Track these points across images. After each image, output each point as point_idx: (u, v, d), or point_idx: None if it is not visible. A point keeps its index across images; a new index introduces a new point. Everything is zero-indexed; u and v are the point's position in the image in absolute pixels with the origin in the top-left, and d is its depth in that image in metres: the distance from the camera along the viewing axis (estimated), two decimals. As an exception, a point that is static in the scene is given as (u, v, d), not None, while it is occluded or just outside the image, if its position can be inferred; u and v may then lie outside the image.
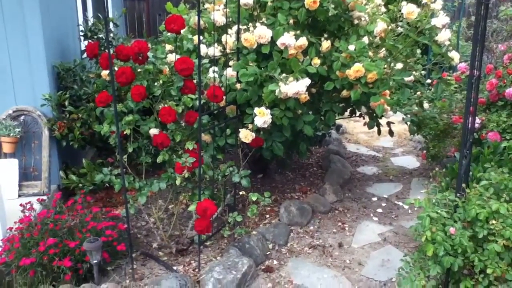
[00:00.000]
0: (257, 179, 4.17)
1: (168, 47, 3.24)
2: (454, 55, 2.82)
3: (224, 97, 2.79)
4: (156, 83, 2.86)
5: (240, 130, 2.83)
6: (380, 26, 3.04)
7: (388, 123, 3.87)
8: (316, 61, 2.94)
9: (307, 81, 2.55)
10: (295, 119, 2.89)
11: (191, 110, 2.80)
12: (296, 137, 3.17)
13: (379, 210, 3.78)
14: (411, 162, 4.88)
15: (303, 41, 2.75)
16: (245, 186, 2.81)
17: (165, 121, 2.71)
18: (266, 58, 2.84)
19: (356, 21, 3.15)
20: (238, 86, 2.75)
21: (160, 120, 2.75)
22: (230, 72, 2.83)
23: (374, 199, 3.99)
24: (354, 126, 5.98)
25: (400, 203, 3.91)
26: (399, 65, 2.86)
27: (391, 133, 3.92)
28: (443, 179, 3.24)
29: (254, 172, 3.92)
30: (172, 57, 3.02)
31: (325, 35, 3.00)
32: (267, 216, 3.55)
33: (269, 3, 2.91)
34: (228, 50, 2.90)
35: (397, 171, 4.61)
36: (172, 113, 2.69)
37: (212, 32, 3.16)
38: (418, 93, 4.02)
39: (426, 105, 4.03)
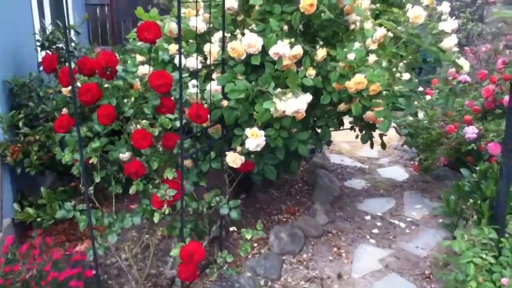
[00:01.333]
0: (240, 199, 3.73)
1: (139, 57, 2.78)
2: (464, 63, 2.50)
3: (209, 115, 2.36)
4: (126, 100, 2.40)
5: (227, 153, 2.40)
6: (380, 31, 2.68)
7: (381, 135, 3.52)
8: (311, 71, 2.55)
9: (307, 98, 2.15)
10: (289, 138, 2.49)
11: (169, 132, 2.36)
12: (287, 156, 2.77)
13: (375, 230, 3.43)
14: (399, 173, 4.57)
15: (298, 50, 2.36)
16: (235, 218, 2.39)
17: (139, 147, 2.25)
18: (255, 70, 2.43)
19: (352, 26, 2.78)
20: (224, 103, 2.32)
21: (133, 145, 2.29)
22: (214, 86, 2.40)
23: (368, 217, 3.63)
24: (335, 135, 5.63)
25: (396, 221, 3.57)
26: (406, 75, 2.51)
27: (383, 145, 3.58)
28: (448, 197, 2.91)
29: (236, 193, 3.50)
30: (144, 69, 2.56)
31: (320, 43, 2.62)
32: (255, 244, 3.13)
33: (257, 7, 2.50)
34: (211, 61, 2.47)
35: (386, 184, 4.28)
36: (147, 136, 2.24)
37: (191, 41, 2.72)
38: (415, 102, 3.71)
39: (420, 114, 3.72)
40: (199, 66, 2.57)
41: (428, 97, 3.94)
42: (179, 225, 2.31)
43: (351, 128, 3.43)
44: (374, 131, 3.26)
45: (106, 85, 2.35)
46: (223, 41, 2.35)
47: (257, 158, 2.47)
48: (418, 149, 3.95)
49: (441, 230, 3.37)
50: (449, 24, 2.42)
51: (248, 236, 2.32)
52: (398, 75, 2.52)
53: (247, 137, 2.20)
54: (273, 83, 2.24)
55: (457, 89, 3.50)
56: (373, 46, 2.91)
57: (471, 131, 3.53)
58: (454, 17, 2.63)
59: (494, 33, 4.61)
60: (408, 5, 2.48)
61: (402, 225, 3.51)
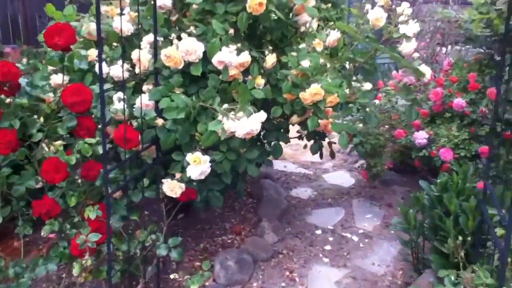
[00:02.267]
0: (177, 220, 3.31)
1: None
2: (425, 70, 2.26)
3: (140, 137, 1.92)
4: (34, 121, 1.91)
5: (163, 180, 1.99)
6: (334, 34, 2.37)
7: (330, 143, 3.25)
8: (260, 81, 2.19)
9: (261, 116, 1.78)
10: (237, 159, 2.12)
11: (90, 159, 1.90)
12: (233, 177, 2.40)
13: (328, 247, 3.16)
14: (345, 178, 4.35)
15: (246, 57, 1.98)
16: (175, 259, 1.99)
17: (51, 181, 1.78)
18: (195, 81, 2.02)
19: (302, 28, 2.45)
20: (159, 122, 1.90)
21: (44, 178, 1.81)
22: (145, 100, 1.96)
23: (318, 232, 3.36)
24: (276, 137, 5.36)
25: (348, 235, 3.32)
26: (368, 85, 2.23)
27: (332, 154, 3.30)
28: (407, 212, 2.69)
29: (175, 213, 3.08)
30: (57, 79, 2.07)
31: (269, 47, 2.27)
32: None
33: (195, 6, 2.09)
34: (140, 70, 2.03)
35: (333, 192, 4.04)
36: (61, 167, 1.77)
37: (115, 45, 2.25)
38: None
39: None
40: (126, 75, 2.11)
41: (376, 102, 3.74)
42: (107, 268, 1.87)
43: (299, 137, 3.12)
44: (324, 140, 2.98)
45: (7, 101, 1.85)
46: (154, 47, 1.92)
47: (199, 185, 2.08)
48: (366, 155, 3.74)
49: (394, 242, 3.17)
50: (411, 27, 2.16)
51: (194, 287, 1.92)
52: (358, 84, 2.23)
53: (188, 163, 1.80)
54: (218, 97, 1.85)
55: (419, 99, 3.30)
56: (319, 48, 2.62)
57: (421, 137, 3.36)
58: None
59: (433, 31, 4.52)
60: (367, 6, 2.18)
61: (355, 238, 3.27)
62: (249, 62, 2.03)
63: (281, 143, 2.53)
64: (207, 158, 1.79)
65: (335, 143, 3.27)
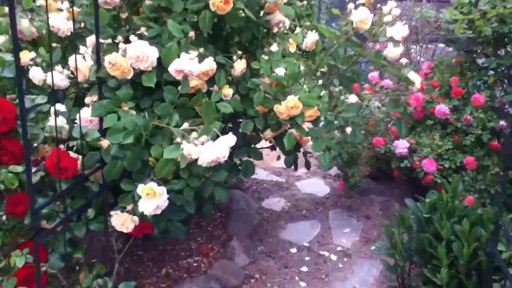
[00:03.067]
0: (136, 241, 2.94)
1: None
2: (415, 78, 1.98)
3: (80, 162, 1.56)
4: None
5: (112, 213, 1.63)
6: (311, 36, 2.06)
7: (305, 154, 2.95)
8: (227, 91, 1.86)
9: (230, 140, 1.44)
10: (202, 184, 1.78)
11: (17, 191, 1.52)
12: (199, 199, 2.06)
13: (304, 268, 2.85)
14: (319, 186, 4.06)
15: (210, 64, 1.64)
16: (129, 307, 1.64)
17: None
18: (149, 92, 1.67)
19: (275, 29, 2.13)
20: (104, 143, 1.53)
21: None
22: (87, 115, 1.59)
23: (293, 250, 3.05)
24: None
25: (326, 253, 3.03)
26: (353, 97, 1.91)
27: (308, 165, 3.00)
28: (392, 233, 2.42)
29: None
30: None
31: (238, 52, 1.93)
32: (161, 309, 2.39)
33: (147, 2, 1.72)
34: (78, 80, 1.66)
35: (308, 202, 3.74)
36: (-22, 204, 1.39)
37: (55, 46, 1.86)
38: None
39: (348, 129, 3.21)
40: (64, 83, 1.74)
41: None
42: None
43: (272, 148, 2.80)
44: (299, 151, 2.66)
45: None
46: (97, 52, 1.55)
47: (156, 216, 1.73)
48: (343, 165, 3.46)
49: (375, 261, 2.91)
50: (399, 30, 1.87)
51: None
52: (342, 97, 1.92)
53: (140, 196, 1.45)
54: (176, 114, 1.50)
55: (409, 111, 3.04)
56: (292, 49, 2.31)
57: (402, 146, 3.10)
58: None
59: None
60: (350, 5, 1.88)
61: (333, 257, 2.98)
62: (214, 70, 1.69)
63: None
64: (163, 189, 1.45)
65: (310, 153, 2.98)
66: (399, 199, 3.67)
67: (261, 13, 2.08)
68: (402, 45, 1.99)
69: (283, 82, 1.83)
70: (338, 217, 3.48)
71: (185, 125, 1.48)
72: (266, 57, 2.05)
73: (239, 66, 1.86)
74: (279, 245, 3.08)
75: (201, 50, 1.66)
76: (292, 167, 2.59)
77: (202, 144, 1.36)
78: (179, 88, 1.55)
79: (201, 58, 1.65)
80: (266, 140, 2.15)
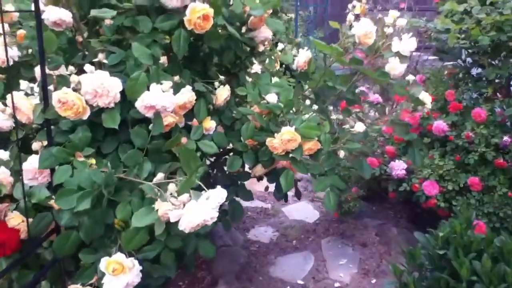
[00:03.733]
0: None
1: None
2: (425, 97, 1.71)
3: (25, 230, 1.20)
4: None
5: (72, 287, 1.28)
6: (304, 54, 1.77)
7: (295, 182, 2.65)
8: (209, 124, 1.54)
9: (220, 196, 1.12)
10: (183, 240, 1.45)
11: None
12: (179, 253, 1.72)
13: (300, 311, 2.55)
14: (308, 211, 3.75)
15: (188, 96, 1.32)
16: None
17: None
18: (114, 133, 1.33)
19: (260, 47, 1.83)
20: (56, 204, 1.19)
21: None
22: (32, 167, 1.24)
23: (287, 289, 2.74)
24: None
25: (323, 291, 2.73)
26: (359, 125, 1.62)
27: (298, 194, 2.69)
28: (401, 273, 2.13)
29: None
30: None
31: (218, 75, 1.62)
32: None
33: (107, 22, 1.39)
34: (18, 122, 1.32)
35: (297, 231, 3.43)
36: None
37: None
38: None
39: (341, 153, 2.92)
40: (7, 124, 1.38)
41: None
42: None
43: (259, 179, 2.48)
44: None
45: None
46: (43, 86, 1.20)
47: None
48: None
49: (378, 297, 2.62)
50: (407, 43, 1.61)
51: None
52: (347, 126, 1.63)
53: (105, 274, 1.11)
54: (148, 163, 1.18)
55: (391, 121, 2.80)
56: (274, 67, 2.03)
57: (399, 167, 2.83)
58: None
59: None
60: (349, 17, 1.60)
61: (332, 296, 2.68)
62: (193, 102, 1.37)
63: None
64: (134, 262, 1.11)
65: (300, 180, 2.69)
66: (395, 222, 3.40)
67: (243, 29, 1.77)
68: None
69: (275, 111, 1.53)
70: (332, 246, 3.18)
71: (160, 176, 1.14)
72: (252, 81, 1.75)
73: (222, 93, 1.54)
74: (270, 285, 2.75)
75: (176, 78, 1.34)
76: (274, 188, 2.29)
77: (183, 205, 1.03)
78: (150, 126, 1.23)
79: (177, 87, 1.33)
80: (257, 178, 1.83)
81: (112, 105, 1.22)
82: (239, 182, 1.83)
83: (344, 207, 3.13)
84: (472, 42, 2.86)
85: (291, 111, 1.51)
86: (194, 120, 1.49)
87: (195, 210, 1.00)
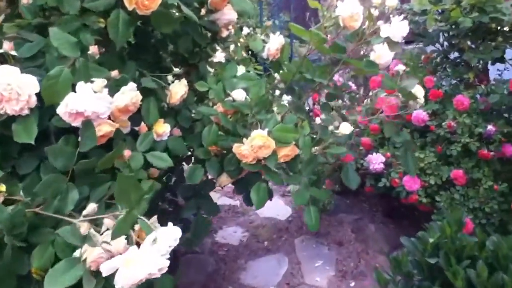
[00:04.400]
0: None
1: None
2: (418, 91, 1.47)
3: None
4: None
5: None
6: (275, 41, 1.48)
7: (266, 182, 2.38)
8: (162, 128, 1.24)
9: (172, 237, 0.82)
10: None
11: None
12: None
13: (276, 324, 2.31)
14: (279, 208, 3.51)
15: (132, 96, 1.02)
16: None
17: None
18: (30, 149, 1.01)
19: (224, 32, 1.53)
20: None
21: None
22: None
23: (260, 298, 2.49)
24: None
25: (299, 299, 2.50)
26: (345, 126, 1.34)
27: (270, 195, 2.43)
28: (385, 281, 1.92)
29: None
30: None
31: (175, 69, 1.32)
32: None
33: (24, 0, 1.05)
34: None
35: (269, 230, 3.18)
36: None
37: None
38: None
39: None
40: None
41: (317, 120, 2.92)
42: None
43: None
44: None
45: None
46: None
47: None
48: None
49: (358, 302, 2.42)
50: (399, 28, 1.35)
51: None
52: (331, 126, 1.35)
53: None
54: (75, 191, 0.87)
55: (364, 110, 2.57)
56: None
57: (376, 161, 2.61)
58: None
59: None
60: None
61: (310, 304, 2.45)
62: (138, 102, 1.06)
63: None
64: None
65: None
66: (371, 217, 3.21)
67: (203, 11, 1.47)
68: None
69: (244, 110, 1.24)
70: (306, 246, 2.95)
71: (91, 208, 0.84)
72: (215, 71, 1.46)
73: (178, 90, 1.24)
74: (242, 294, 2.50)
75: (115, 73, 1.03)
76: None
77: (120, 254, 0.74)
78: (79, 146, 0.92)
79: (116, 85, 1.02)
80: (222, 187, 1.55)
81: (26, 111, 0.90)
82: (202, 192, 1.54)
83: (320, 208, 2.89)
84: (451, 25, 2.64)
85: (263, 111, 1.23)
86: (142, 124, 1.18)
87: (135, 261, 0.71)
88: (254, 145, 1.19)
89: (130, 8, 0.99)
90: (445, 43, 2.87)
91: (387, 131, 1.45)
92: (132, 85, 1.04)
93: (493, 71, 2.85)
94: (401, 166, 2.55)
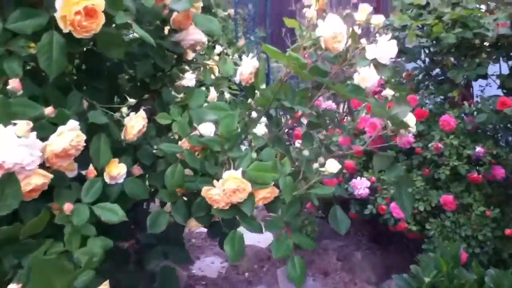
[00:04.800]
0: None
1: None
2: (410, 119, 1.31)
3: None
4: None
5: None
6: (249, 64, 1.30)
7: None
8: (117, 169, 1.04)
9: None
10: None
11: None
12: None
13: None
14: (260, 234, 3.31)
15: (73, 136, 0.82)
16: None
17: None
18: None
19: (190, 54, 1.35)
20: None
21: None
22: None
23: None
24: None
25: None
26: (333, 163, 1.15)
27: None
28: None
29: None
30: None
31: (130, 100, 1.12)
32: None
33: None
34: None
35: (250, 259, 2.95)
36: None
37: None
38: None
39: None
40: None
41: (297, 143, 2.76)
42: None
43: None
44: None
45: None
46: None
47: None
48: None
49: None
50: (387, 49, 1.19)
51: None
52: (316, 165, 1.16)
53: None
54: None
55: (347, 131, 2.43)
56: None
57: (361, 185, 2.44)
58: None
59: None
60: (310, 14, 1.15)
61: None
62: (81, 143, 0.86)
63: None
64: None
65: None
66: (357, 242, 3.03)
67: (166, 30, 1.28)
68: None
69: (213, 148, 1.05)
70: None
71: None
72: (181, 98, 1.27)
73: (134, 124, 1.04)
74: (221, 336, 2.28)
75: (49, 110, 0.83)
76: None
77: None
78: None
79: (53, 123, 0.82)
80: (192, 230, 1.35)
81: None
82: (170, 236, 1.33)
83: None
84: (432, 40, 2.53)
85: (235, 147, 1.04)
86: (91, 167, 0.98)
87: None
88: (227, 189, 1.00)
89: (65, 30, 0.79)
90: (427, 59, 2.75)
91: (378, 164, 1.28)
92: (72, 124, 0.84)
93: (475, 86, 2.75)
94: (387, 192, 2.39)
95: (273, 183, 1.06)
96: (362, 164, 2.60)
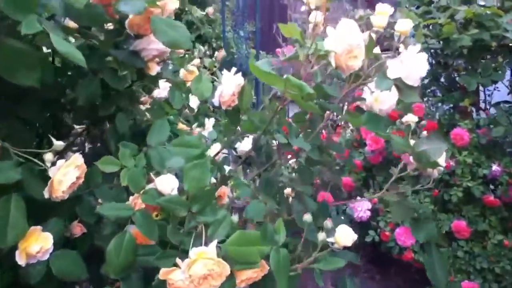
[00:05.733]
0: None
1: None
2: (441, 159, 1.01)
3: None
4: None
5: None
6: (231, 83, 0.99)
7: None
8: (38, 242, 0.73)
9: None
10: None
11: None
12: None
13: None
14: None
15: None
16: None
17: None
18: None
19: (154, 68, 1.02)
20: None
21: None
22: None
23: None
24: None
25: None
26: (346, 232, 0.84)
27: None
28: None
29: None
30: None
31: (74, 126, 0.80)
32: None
33: None
34: None
35: None
36: None
37: None
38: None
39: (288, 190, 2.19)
40: None
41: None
42: None
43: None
44: None
45: None
46: None
47: None
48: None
49: None
50: (414, 64, 0.88)
51: None
52: (322, 235, 0.85)
53: None
54: None
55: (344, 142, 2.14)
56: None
57: (362, 207, 2.15)
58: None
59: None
60: (314, 16, 0.84)
61: None
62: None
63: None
64: None
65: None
66: (354, 269, 2.76)
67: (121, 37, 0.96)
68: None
69: (177, 212, 0.74)
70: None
71: None
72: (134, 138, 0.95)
73: (63, 177, 0.72)
74: None
75: None
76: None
77: None
78: None
79: None
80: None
81: None
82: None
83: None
84: (438, 41, 2.24)
85: (207, 208, 0.73)
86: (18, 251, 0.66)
87: None
88: (194, 275, 0.68)
89: None
90: (433, 62, 2.46)
91: (397, 214, 0.98)
92: None
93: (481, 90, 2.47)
94: (391, 215, 2.10)
95: (262, 260, 0.75)
96: (361, 180, 2.31)
